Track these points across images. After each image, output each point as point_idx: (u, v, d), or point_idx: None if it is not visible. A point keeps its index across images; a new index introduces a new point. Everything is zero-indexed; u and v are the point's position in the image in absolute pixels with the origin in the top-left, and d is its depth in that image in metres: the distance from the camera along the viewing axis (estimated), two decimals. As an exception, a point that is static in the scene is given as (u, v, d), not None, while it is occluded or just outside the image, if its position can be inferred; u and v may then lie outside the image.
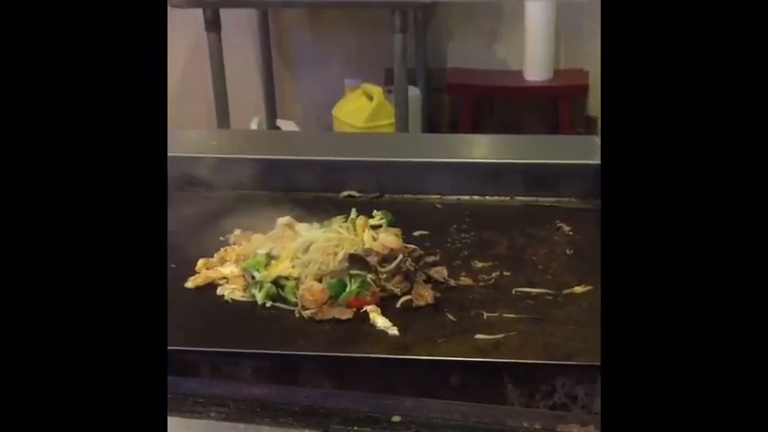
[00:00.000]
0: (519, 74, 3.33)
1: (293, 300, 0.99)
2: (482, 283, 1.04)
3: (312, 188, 1.35)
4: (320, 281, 1.00)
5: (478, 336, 0.90)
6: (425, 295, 0.99)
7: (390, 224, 1.18)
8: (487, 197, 1.33)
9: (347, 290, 0.98)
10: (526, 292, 1.01)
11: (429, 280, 1.03)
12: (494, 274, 1.06)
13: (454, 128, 3.39)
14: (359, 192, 1.35)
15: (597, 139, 1.43)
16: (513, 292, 1.01)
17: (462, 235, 1.18)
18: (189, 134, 1.64)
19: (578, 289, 1.01)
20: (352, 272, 1.00)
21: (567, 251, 1.13)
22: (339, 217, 1.16)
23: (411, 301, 0.99)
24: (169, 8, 2.85)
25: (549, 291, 1.01)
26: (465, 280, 1.04)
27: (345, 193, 1.35)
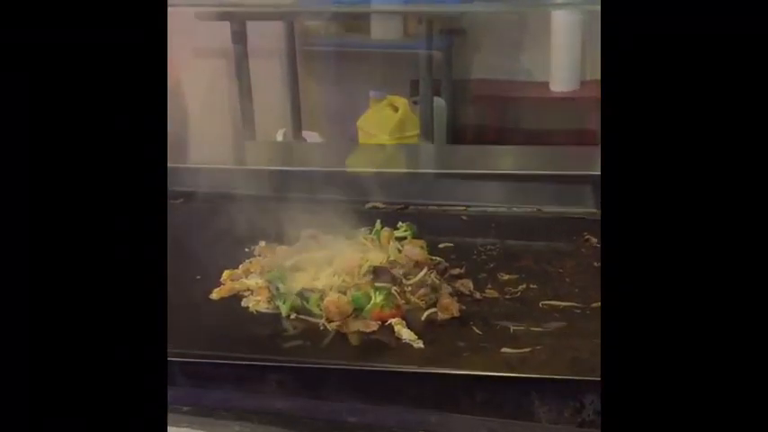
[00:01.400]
0: (545, 85, 3.32)
1: (318, 312, 0.98)
2: (508, 296, 1.02)
3: (337, 199, 1.34)
4: (345, 293, 1.00)
5: (504, 349, 0.89)
6: (451, 308, 0.98)
7: (415, 236, 1.17)
8: (514, 208, 1.31)
9: (372, 302, 0.97)
10: (553, 306, 1.00)
11: (454, 293, 1.02)
12: (520, 287, 1.05)
13: (479, 139, 3.38)
14: (383, 203, 1.34)
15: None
16: (540, 305, 1.00)
17: (488, 247, 1.17)
18: (215, 146, 1.64)
19: (606, 302, 0.99)
20: (377, 284, 0.99)
21: (595, 264, 1.11)
22: (364, 229, 1.16)
23: (436, 313, 0.98)
24: (196, 21, 2.88)
25: (576, 304, 1.00)
26: (491, 293, 1.03)
27: (370, 205, 1.34)
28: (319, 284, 1.02)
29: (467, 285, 1.03)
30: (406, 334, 0.93)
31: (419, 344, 0.91)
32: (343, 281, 1.02)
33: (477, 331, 0.94)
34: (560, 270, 1.09)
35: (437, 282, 1.03)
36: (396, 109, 3.02)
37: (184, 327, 0.82)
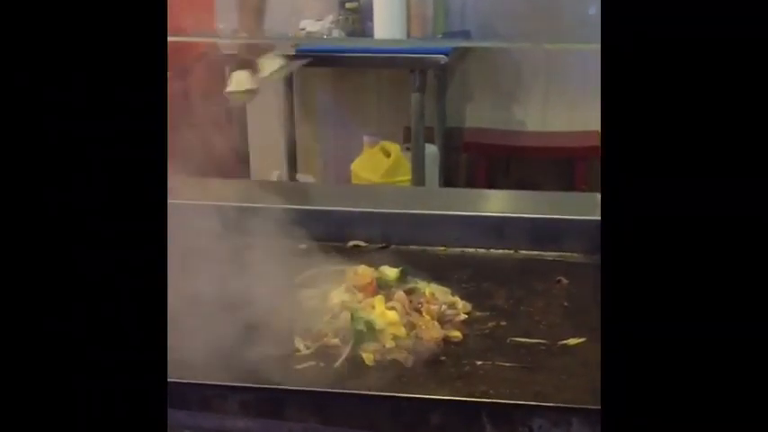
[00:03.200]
0: (536, 134, 3.38)
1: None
2: (477, 333, 1.05)
3: (320, 237, 1.38)
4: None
5: (470, 383, 0.91)
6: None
7: (401, 278, 1.17)
8: (491, 250, 1.35)
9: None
10: (521, 342, 1.02)
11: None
12: (490, 324, 1.07)
13: (471, 186, 3.44)
14: (365, 242, 1.37)
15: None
16: (508, 341, 1.03)
17: (462, 285, 1.20)
18: (207, 183, 1.68)
19: (572, 341, 1.02)
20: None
21: (565, 303, 1.14)
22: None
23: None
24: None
25: (542, 341, 1.02)
26: (462, 329, 1.06)
27: (352, 243, 1.37)
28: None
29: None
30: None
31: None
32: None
33: (445, 365, 0.97)
34: (530, 309, 1.12)
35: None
36: (388, 154, 3.08)
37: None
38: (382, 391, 0.83)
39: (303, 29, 3.20)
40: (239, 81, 1.87)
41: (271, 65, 1.88)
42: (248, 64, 1.86)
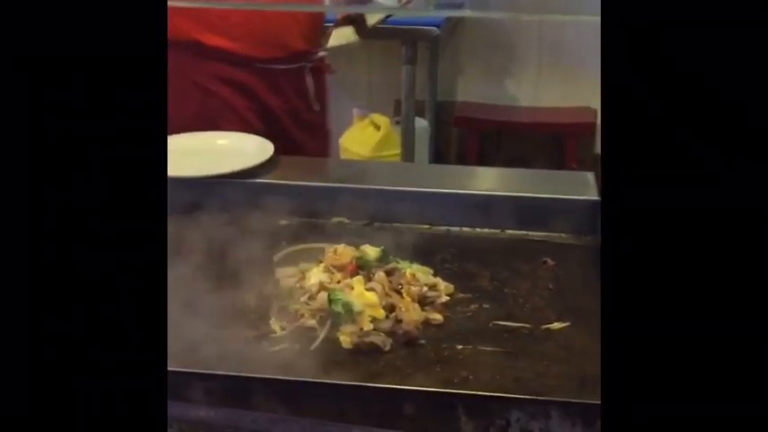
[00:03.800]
0: (527, 110, 3.34)
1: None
2: (459, 315, 1.02)
3: (302, 213, 1.34)
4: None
5: (449, 368, 0.89)
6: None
7: (382, 258, 1.14)
8: (477, 229, 1.31)
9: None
10: (503, 326, 1.00)
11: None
12: (472, 307, 1.04)
13: (462, 161, 3.40)
14: (349, 219, 1.34)
15: (591, 176, 1.42)
16: (490, 325, 1.00)
17: (446, 266, 1.17)
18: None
19: (556, 325, 1.00)
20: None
21: (550, 286, 1.11)
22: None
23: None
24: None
25: (526, 325, 1.00)
26: (443, 311, 1.03)
27: (335, 220, 1.34)
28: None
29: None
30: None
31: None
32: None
33: (425, 349, 0.94)
34: (515, 291, 1.09)
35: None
36: (378, 127, 3.04)
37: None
38: (356, 379, 0.80)
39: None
40: (341, 36, 1.92)
41: (374, 15, 1.95)
42: (350, 20, 1.90)
